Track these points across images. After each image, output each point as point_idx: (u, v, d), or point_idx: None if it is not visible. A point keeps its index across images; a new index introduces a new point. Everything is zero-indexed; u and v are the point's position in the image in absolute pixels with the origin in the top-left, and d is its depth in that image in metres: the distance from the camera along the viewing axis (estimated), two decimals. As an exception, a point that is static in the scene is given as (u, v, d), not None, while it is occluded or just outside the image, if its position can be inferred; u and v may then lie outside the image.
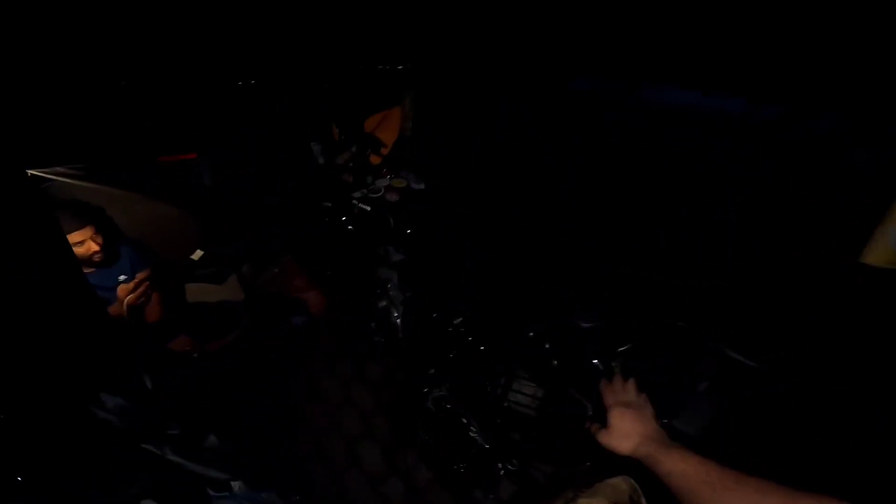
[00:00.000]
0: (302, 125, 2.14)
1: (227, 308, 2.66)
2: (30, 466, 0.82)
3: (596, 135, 1.75)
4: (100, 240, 1.97)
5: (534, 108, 1.96)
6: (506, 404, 1.67)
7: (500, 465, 1.65)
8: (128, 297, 2.01)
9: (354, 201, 2.04)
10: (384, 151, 2.13)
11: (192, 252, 2.68)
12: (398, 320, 2.21)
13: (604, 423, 0.93)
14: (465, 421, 1.68)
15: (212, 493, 1.32)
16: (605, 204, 1.62)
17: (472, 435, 1.65)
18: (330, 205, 2.02)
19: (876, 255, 1.18)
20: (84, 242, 1.88)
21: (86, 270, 1.96)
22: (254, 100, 2.25)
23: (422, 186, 2.14)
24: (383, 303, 2.26)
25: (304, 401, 2.35)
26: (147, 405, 1.41)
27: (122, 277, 2.17)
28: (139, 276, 2.12)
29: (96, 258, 1.94)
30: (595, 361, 1.38)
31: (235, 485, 1.40)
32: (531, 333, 1.46)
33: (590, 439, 0.95)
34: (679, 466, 0.74)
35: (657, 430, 0.88)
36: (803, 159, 1.15)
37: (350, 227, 2.13)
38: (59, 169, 1.72)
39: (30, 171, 1.48)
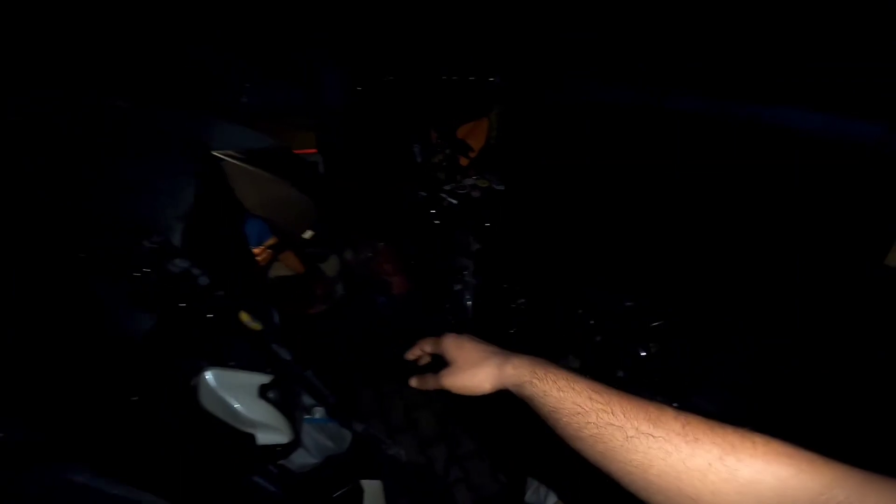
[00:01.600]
0: (405, 129, 2.55)
1: (325, 282, 3.14)
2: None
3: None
4: None
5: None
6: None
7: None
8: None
9: (443, 195, 2.39)
10: (472, 155, 2.46)
11: (305, 232, 3.22)
12: (469, 303, 2.50)
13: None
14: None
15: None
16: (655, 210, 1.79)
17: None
18: (425, 194, 2.40)
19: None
20: None
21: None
22: (365, 104, 2.73)
23: (502, 187, 2.43)
24: (458, 286, 2.57)
25: (374, 365, 2.71)
26: (273, 332, 1.83)
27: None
28: (267, 243, 2.64)
29: None
30: (636, 344, 1.55)
31: (318, 411, 1.76)
32: (580, 311, 1.67)
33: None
34: (571, 401, 0.53)
35: (503, 350, 0.67)
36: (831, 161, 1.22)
37: (437, 218, 2.48)
38: (229, 151, 2.26)
39: (213, 152, 2.02)
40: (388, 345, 2.78)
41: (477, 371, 0.65)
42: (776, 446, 0.43)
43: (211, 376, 1.17)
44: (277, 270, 2.99)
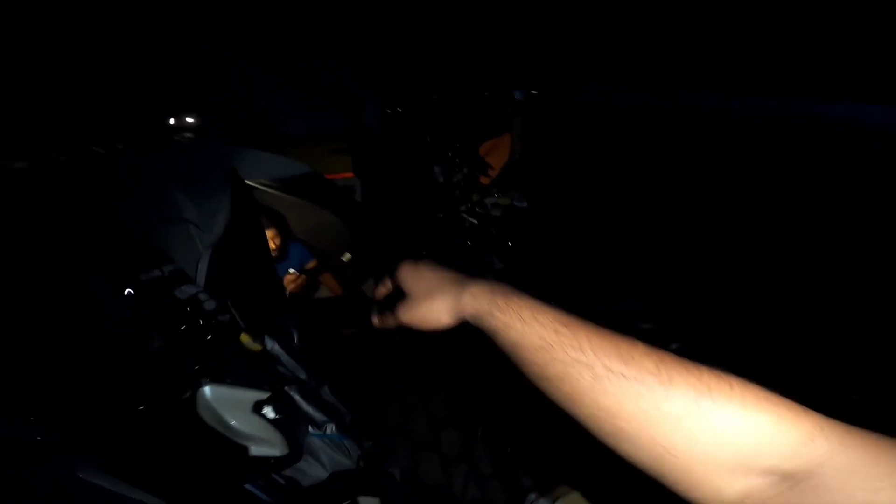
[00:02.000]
0: (425, 150, 2.62)
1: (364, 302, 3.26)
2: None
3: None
4: (279, 240, 2.70)
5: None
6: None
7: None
8: (291, 286, 2.70)
9: (464, 214, 2.40)
10: (491, 173, 2.46)
11: (343, 255, 3.37)
12: (493, 322, 2.47)
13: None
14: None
15: (311, 430, 1.75)
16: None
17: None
18: (442, 216, 2.43)
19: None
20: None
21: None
22: (396, 130, 2.84)
23: (524, 205, 2.40)
24: (483, 306, 2.55)
25: (401, 380, 2.73)
26: (290, 352, 1.93)
27: (290, 270, 2.89)
28: (308, 266, 2.82)
29: (273, 254, 2.66)
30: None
31: (329, 427, 1.81)
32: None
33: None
34: (535, 334, 0.47)
35: (462, 276, 0.60)
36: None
37: (460, 237, 2.49)
38: (262, 180, 2.46)
39: (247, 181, 2.20)
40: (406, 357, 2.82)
41: (433, 302, 0.59)
42: (755, 390, 0.40)
43: (209, 391, 1.28)
44: (320, 293, 3.16)
